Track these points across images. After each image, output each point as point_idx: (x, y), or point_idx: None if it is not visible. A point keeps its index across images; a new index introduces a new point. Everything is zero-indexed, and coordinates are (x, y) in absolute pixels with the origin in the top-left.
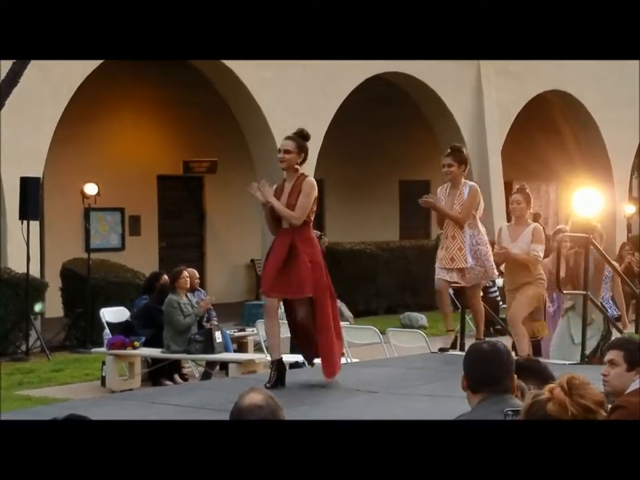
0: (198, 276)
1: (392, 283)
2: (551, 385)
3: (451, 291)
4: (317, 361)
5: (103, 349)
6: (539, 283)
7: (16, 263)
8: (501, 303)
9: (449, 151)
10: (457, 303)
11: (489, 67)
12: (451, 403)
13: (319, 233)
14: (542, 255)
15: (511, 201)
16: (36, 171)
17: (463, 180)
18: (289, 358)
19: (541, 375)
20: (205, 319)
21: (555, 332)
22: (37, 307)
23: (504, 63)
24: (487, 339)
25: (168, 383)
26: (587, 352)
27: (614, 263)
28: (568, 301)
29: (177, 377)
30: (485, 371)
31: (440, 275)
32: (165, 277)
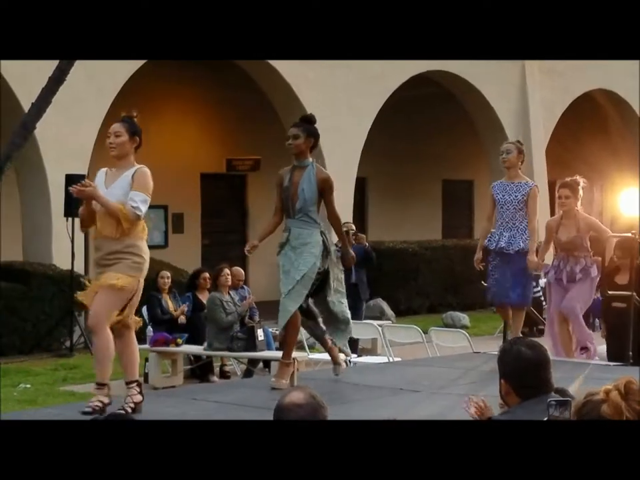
0: (243, 275)
1: (434, 282)
2: (607, 386)
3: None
4: (360, 360)
5: (146, 346)
6: (132, 264)
7: (61, 260)
8: (544, 302)
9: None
10: None
11: (533, 66)
12: (494, 402)
13: (354, 229)
14: (143, 209)
15: None
16: (81, 168)
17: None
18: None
19: None
20: (247, 317)
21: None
22: None
23: (548, 62)
24: (519, 338)
25: (216, 379)
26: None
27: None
28: (284, 232)
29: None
30: (536, 376)
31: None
32: (207, 274)
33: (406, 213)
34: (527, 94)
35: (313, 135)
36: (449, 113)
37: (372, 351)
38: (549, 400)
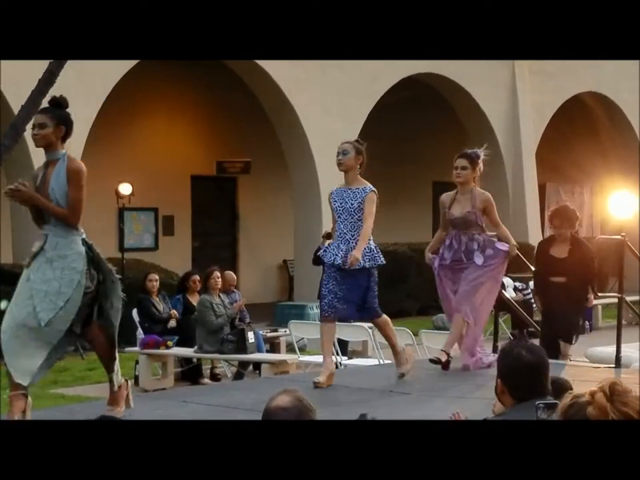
0: (235, 280)
1: (424, 285)
2: (593, 388)
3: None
4: (351, 362)
5: (136, 349)
6: None
7: None
8: (534, 304)
9: None
10: None
11: (523, 68)
12: (484, 404)
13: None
14: None
15: None
16: None
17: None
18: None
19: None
20: (237, 320)
21: None
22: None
23: (539, 63)
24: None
25: (206, 381)
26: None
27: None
28: (36, 242)
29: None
30: (531, 380)
31: None
32: (197, 276)
33: (396, 215)
34: (517, 96)
35: (64, 122)
36: (440, 114)
37: (362, 354)
38: (536, 403)
